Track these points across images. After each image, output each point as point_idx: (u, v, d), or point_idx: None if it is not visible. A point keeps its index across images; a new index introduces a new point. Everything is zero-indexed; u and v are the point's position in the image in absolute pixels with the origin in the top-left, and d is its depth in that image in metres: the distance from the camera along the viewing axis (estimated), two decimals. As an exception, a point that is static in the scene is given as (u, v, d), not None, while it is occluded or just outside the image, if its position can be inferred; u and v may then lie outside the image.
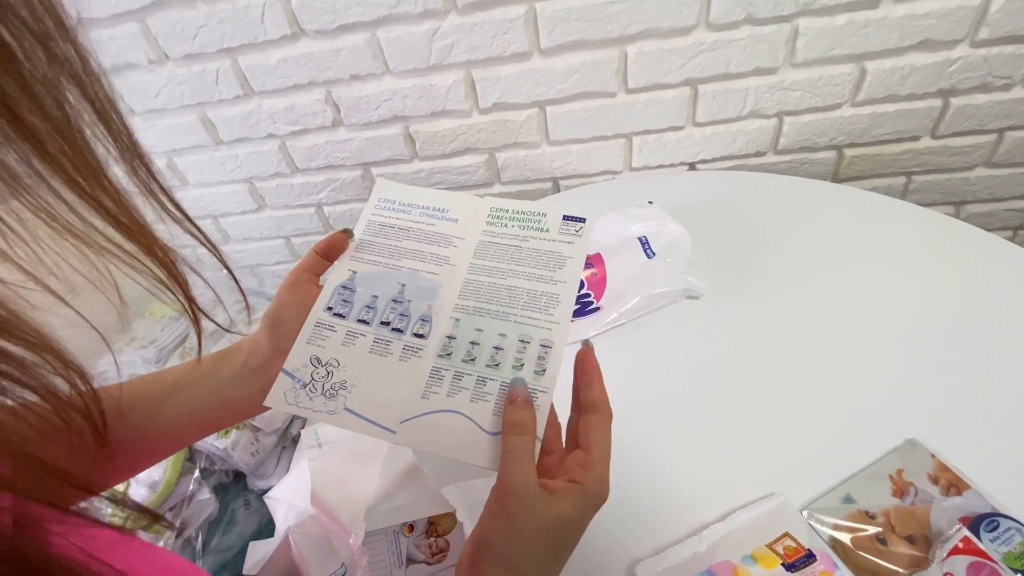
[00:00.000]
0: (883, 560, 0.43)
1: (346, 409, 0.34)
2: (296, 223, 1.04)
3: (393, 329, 0.37)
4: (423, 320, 0.37)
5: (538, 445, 0.32)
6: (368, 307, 0.38)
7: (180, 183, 0.99)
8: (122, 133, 0.20)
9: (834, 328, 0.61)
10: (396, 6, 0.74)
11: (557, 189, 0.95)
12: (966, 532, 0.42)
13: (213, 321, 0.29)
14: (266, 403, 0.35)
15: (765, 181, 0.84)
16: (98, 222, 0.19)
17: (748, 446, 0.53)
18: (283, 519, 0.49)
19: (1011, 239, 0.92)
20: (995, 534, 0.41)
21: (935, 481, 0.46)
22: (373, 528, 0.48)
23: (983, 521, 0.42)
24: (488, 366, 0.35)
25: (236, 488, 0.72)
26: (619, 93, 0.82)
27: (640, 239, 0.74)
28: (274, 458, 0.73)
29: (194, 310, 0.25)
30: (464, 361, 0.35)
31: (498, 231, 0.40)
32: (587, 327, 0.67)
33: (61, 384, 0.21)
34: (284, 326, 0.37)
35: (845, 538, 0.44)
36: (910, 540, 0.43)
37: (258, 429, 0.73)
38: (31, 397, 0.19)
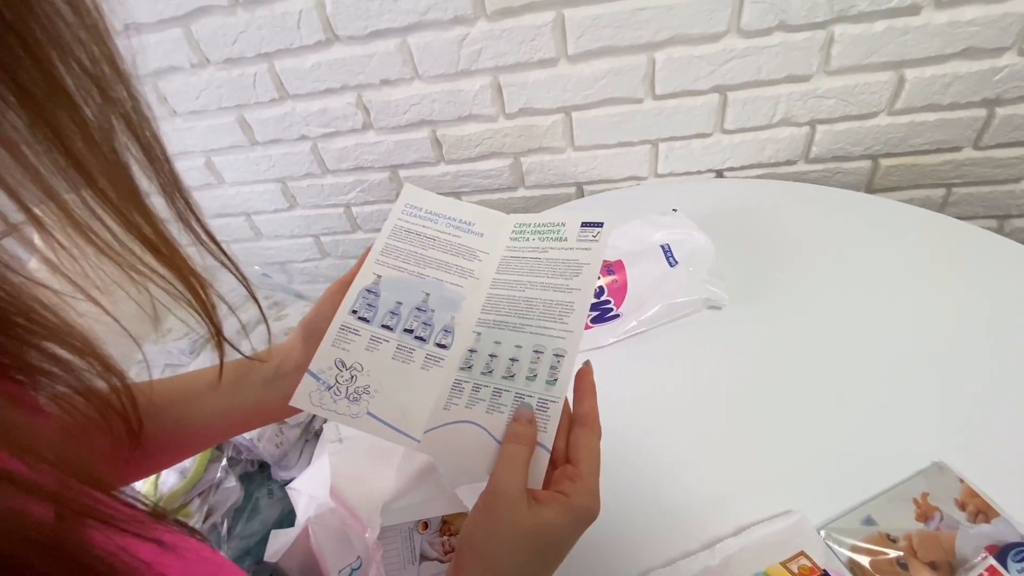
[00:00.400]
0: (903, 585, 0.41)
1: (368, 413, 0.35)
2: (325, 222, 1.07)
3: (416, 337, 0.38)
4: (445, 331, 0.38)
5: (546, 456, 0.32)
6: (392, 313, 0.38)
7: (217, 181, 1.03)
8: (165, 168, 0.21)
9: (862, 344, 0.59)
10: (426, 13, 0.75)
11: (581, 194, 0.95)
12: (992, 561, 0.40)
13: (236, 349, 0.29)
14: (291, 403, 0.36)
15: (795, 190, 0.83)
16: (136, 247, 0.20)
17: (766, 461, 0.52)
18: (304, 510, 0.51)
19: (1059, 255, 0.87)
20: (1023, 564, 0.40)
21: (962, 507, 0.44)
22: (389, 524, 0.49)
23: (1011, 551, 0.41)
24: (504, 377, 0.35)
25: (260, 478, 0.74)
26: (646, 99, 0.81)
27: (663, 247, 0.73)
28: (297, 450, 0.76)
29: (219, 335, 0.26)
30: (482, 374, 0.36)
31: (520, 245, 0.41)
32: (606, 334, 0.67)
33: (102, 385, 0.22)
34: (319, 334, 0.38)
35: (864, 560, 0.43)
36: (932, 566, 0.42)
37: (283, 422, 0.75)
38: (75, 396, 0.20)
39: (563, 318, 0.36)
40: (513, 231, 0.42)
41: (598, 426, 0.33)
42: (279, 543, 0.50)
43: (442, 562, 0.47)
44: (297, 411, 0.37)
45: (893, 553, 0.43)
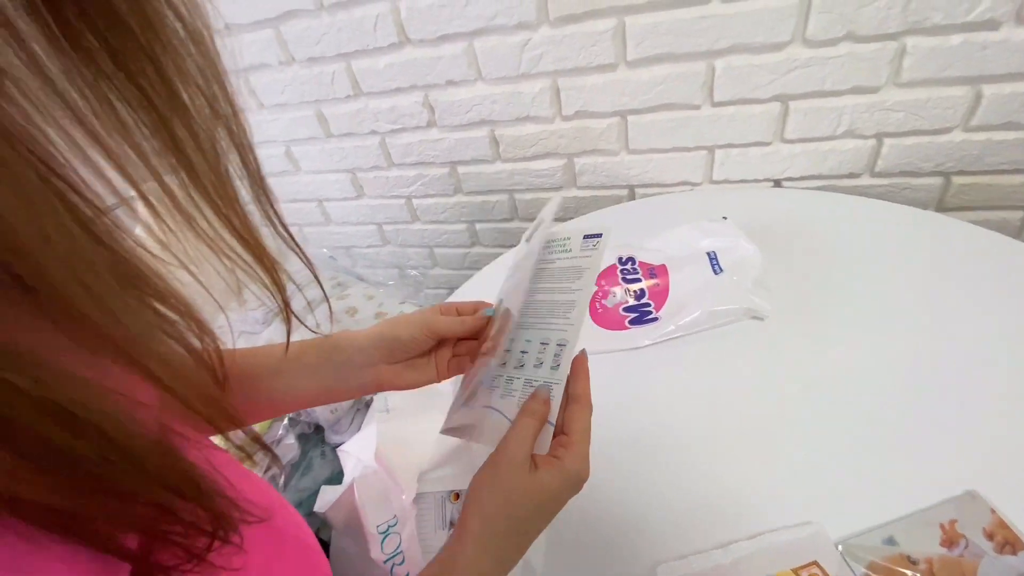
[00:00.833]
0: (918, 607, 0.42)
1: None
2: (388, 212, 1.14)
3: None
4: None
5: (550, 430, 0.36)
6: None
7: (294, 169, 1.12)
8: (255, 171, 0.26)
9: (905, 367, 0.58)
10: (493, 18, 0.79)
11: (632, 196, 0.96)
12: (1015, 594, 0.40)
13: (303, 323, 0.34)
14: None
15: (857, 204, 0.80)
16: (225, 233, 0.25)
17: (791, 472, 0.53)
18: (351, 470, 0.57)
19: None
20: (1047, 601, 0.39)
21: (990, 537, 0.44)
22: (424, 490, 0.54)
23: (1038, 586, 0.40)
24: (515, 367, 0.40)
25: (316, 439, 0.82)
26: (704, 106, 0.82)
27: (709, 254, 0.74)
28: (349, 417, 0.83)
29: (287, 310, 0.31)
30: (500, 365, 0.41)
31: (543, 257, 0.45)
32: (643, 336, 0.69)
33: (196, 343, 0.28)
34: (396, 341, 0.42)
35: (879, 578, 0.44)
36: (952, 592, 0.42)
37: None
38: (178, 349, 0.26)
39: (566, 314, 0.40)
40: (544, 246, 0.46)
41: (590, 403, 0.37)
42: (328, 497, 0.56)
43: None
44: (356, 397, 0.43)
45: (911, 574, 0.43)
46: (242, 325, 0.96)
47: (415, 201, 1.10)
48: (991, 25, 0.63)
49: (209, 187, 0.24)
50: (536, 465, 0.34)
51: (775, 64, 0.74)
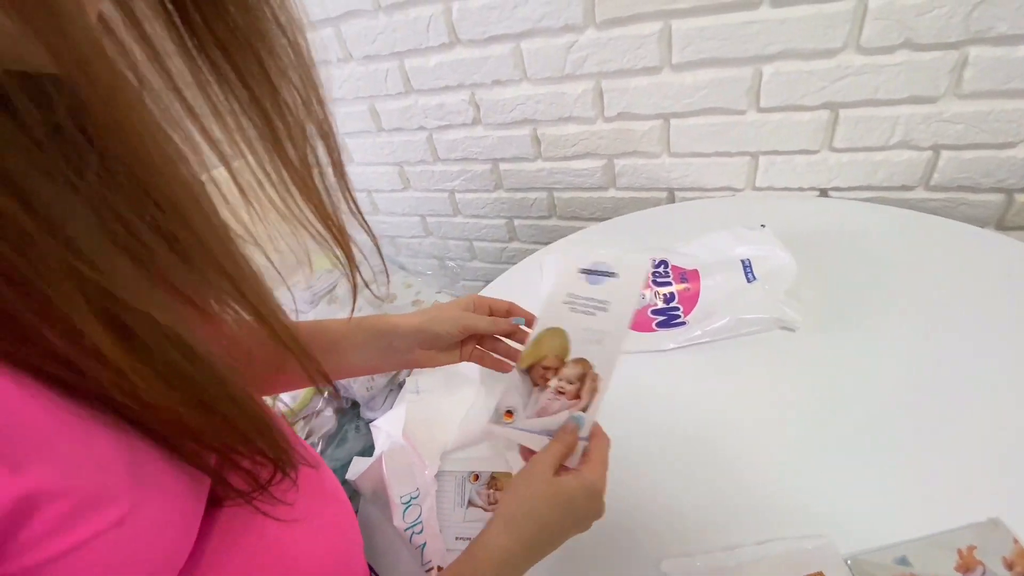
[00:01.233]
0: (925, 629, 0.41)
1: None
2: (431, 205, 1.19)
3: None
4: None
5: (583, 444, 0.42)
6: None
7: (347, 160, 1.19)
8: (339, 162, 0.30)
9: (940, 389, 0.56)
10: (540, 20, 0.81)
11: (672, 199, 0.96)
12: (1029, 626, 0.39)
13: (366, 285, 0.39)
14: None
15: (909, 218, 0.77)
16: (309, 215, 0.29)
17: (807, 482, 0.52)
18: (381, 444, 0.61)
19: None
20: (1064, 637, 0.38)
21: (1010, 566, 0.42)
22: (446, 469, 0.58)
23: (1057, 622, 0.39)
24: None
25: (352, 414, 0.88)
26: (749, 111, 0.81)
27: (743, 261, 0.73)
28: (383, 395, 0.88)
29: (354, 275, 0.35)
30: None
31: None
32: (668, 339, 0.70)
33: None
34: (435, 336, 0.49)
35: (887, 596, 0.43)
36: (963, 618, 0.41)
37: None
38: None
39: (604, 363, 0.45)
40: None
41: (606, 437, 0.45)
42: (359, 467, 0.60)
43: (485, 510, 0.55)
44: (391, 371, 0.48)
45: (920, 596, 0.43)
46: (291, 304, 1.03)
47: (458, 195, 1.14)
48: (1063, 35, 0.60)
49: (298, 171, 0.29)
50: (559, 473, 0.41)
51: (826, 71, 0.73)
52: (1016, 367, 0.56)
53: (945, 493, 0.48)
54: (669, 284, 0.75)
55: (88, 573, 0.20)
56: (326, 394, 0.88)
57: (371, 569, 0.47)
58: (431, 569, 0.49)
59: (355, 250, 0.34)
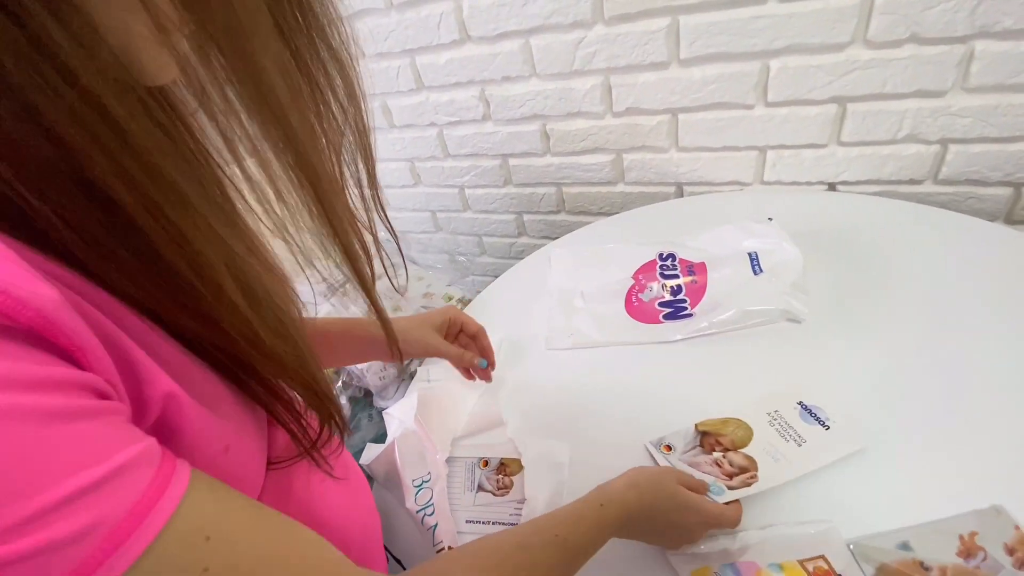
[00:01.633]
0: (926, 611, 0.42)
1: None
2: (441, 200, 1.20)
3: None
4: None
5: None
6: None
7: (359, 156, 1.20)
8: (372, 165, 0.32)
9: (942, 378, 0.57)
10: (550, 17, 0.83)
11: (680, 194, 0.97)
12: (1027, 608, 0.39)
13: (390, 281, 0.41)
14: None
15: (918, 212, 0.78)
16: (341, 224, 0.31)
17: (812, 472, 0.53)
18: (393, 431, 0.63)
19: None
20: (1062, 618, 0.39)
21: (1011, 552, 0.43)
22: (456, 455, 0.59)
23: (1056, 604, 0.40)
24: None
25: (364, 403, 0.90)
26: (757, 106, 0.81)
27: (750, 254, 0.74)
28: (395, 385, 0.90)
29: (369, 281, 0.37)
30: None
31: None
32: (675, 330, 0.71)
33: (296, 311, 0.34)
34: (407, 351, 0.59)
35: (889, 580, 0.44)
36: (963, 601, 0.42)
37: (399, 360, 0.90)
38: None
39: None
40: None
41: (739, 511, 0.49)
42: (372, 453, 0.62)
43: (495, 495, 0.56)
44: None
45: (921, 579, 0.44)
46: (305, 296, 1.05)
47: (467, 191, 1.15)
48: (1071, 28, 0.60)
49: (322, 187, 0.30)
50: (687, 489, 0.46)
51: (833, 65, 0.73)
52: (1019, 358, 0.56)
53: (948, 480, 0.49)
54: (676, 277, 0.76)
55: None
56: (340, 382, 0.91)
57: (385, 549, 0.49)
58: (442, 549, 0.50)
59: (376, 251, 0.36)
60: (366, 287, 0.34)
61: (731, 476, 0.53)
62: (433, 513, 0.52)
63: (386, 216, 0.35)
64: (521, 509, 0.53)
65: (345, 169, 0.32)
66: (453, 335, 0.64)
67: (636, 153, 0.94)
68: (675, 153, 0.92)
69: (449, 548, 0.51)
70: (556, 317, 0.79)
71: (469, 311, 0.89)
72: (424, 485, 0.55)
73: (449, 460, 0.58)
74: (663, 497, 0.44)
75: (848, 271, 0.70)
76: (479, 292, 0.92)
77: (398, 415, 0.63)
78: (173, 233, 0.21)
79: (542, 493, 0.54)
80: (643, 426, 0.61)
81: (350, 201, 0.33)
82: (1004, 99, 0.67)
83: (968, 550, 0.45)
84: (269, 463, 0.30)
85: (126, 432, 0.19)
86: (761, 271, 0.72)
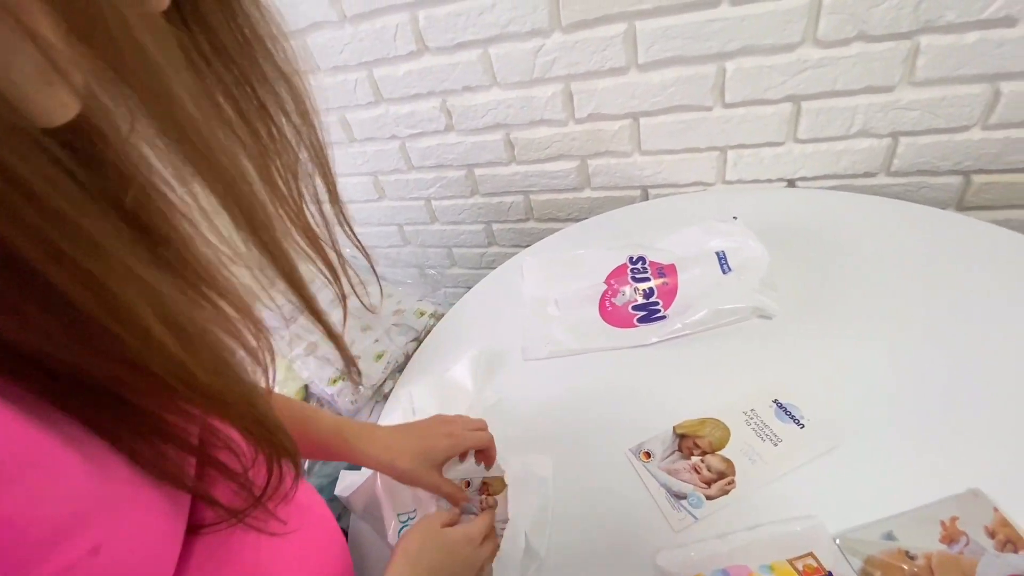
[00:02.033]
0: (915, 601, 0.42)
1: None
2: (408, 213, 1.18)
3: None
4: None
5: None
6: None
7: (320, 173, 1.17)
8: (332, 182, 0.31)
9: (913, 365, 0.58)
10: (507, 26, 0.82)
11: (646, 197, 0.97)
12: (1012, 590, 0.40)
13: (360, 299, 0.38)
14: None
15: (872, 204, 0.80)
16: (299, 238, 0.29)
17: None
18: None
19: None
20: (1044, 597, 0.39)
21: (992, 535, 0.44)
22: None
23: (1038, 584, 0.40)
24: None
25: (335, 429, 0.86)
26: (715, 107, 0.82)
27: (718, 253, 0.75)
28: (368, 408, 0.87)
29: (344, 298, 0.35)
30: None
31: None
32: (650, 334, 0.70)
33: (252, 341, 0.29)
34: (395, 470, 0.52)
35: (876, 573, 0.44)
36: (950, 588, 0.42)
37: (358, 383, 0.86)
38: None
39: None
40: None
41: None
42: (347, 480, 0.59)
43: (476, 515, 0.54)
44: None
45: (908, 568, 0.44)
46: (267, 321, 1.00)
47: (434, 203, 1.13)
48: (1007, 22, 0.63)
49: (286, 207, 0.29)
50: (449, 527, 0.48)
51: (786, 65, 0.75)
52: (983, 339, 0.58)
53: (925, 466, 0.50)
54: (648, 279, 0.76)
55: None
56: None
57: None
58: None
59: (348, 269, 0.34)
60: (315, 313, 0.31)
61: (710, 483, 0.53)
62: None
63: (354, 233, 0.33)
64: (505, 530, 0.51)
65: (304, 188, 0.30)
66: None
67: (600, 158, 0.94)
68: (638, 157, 0.92)
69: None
70: (531, 327, 0.77)
71: (443, 325, 0.87)
72: (410, 521, 0.53)
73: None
74: (434, 549, 0.45)
75: (811, 265, 0.72)
76: (452, 305, 0.90)
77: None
78: (85, 280, 0.18)
79: (527, 510, 0.53)
80: (624, 432, 0.60)
81: (311, 221, 0.31)
82: (950, 91, 0.70)
83: (950, 536, 0.45)
84: (199, 527, 0.27)
85: None
86: (730, 270, 0.72)
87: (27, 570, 0.18)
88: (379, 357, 0.91)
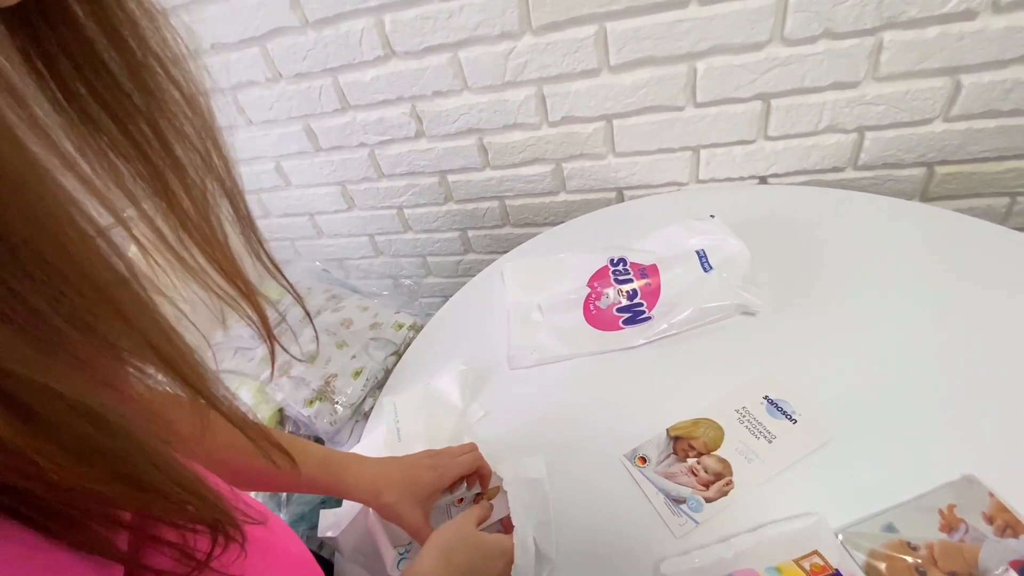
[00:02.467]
0: (921, 593, 0.42)
1: None
2: (379, 223, 1.14)
3: None
4: None
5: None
6: None
7: (285, 184, 1.13)
8: (246, 216, 0.28)
9: (897, 354, 0.58)
10: (476, 29, 0.80)
11: (621, 199, 0.97)
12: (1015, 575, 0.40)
13: (287, 351, 0.35)
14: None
15: (842, 198, 0.81)
16: (213, 272, 0.27)
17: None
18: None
19: None
20: (1047, 581, 0.39)
21: (990, 520, 0.44)
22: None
23: (1039, 567, 0.40)
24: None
25: (314, 453, 0.82)
26: (687, 107, 0.83)
27: (698, 252, 0.74)
28: (348, 429, 0.83)
29: (271, 339, 0.32)
30: None
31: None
32: (637, 335, 0.69)
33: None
34: (379, 504, 0.50)
35: (881, 565, 0.44)
36: (953, 577, 0.42)
37: (336, 403, 0.82)
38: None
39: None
40: None
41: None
42: (330, 520, 0.55)
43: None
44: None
45: (912, 560, 0.43)
46: (237, 342, 0.95)
47: (406, 211, 1.10)
48: (967, 16, 0.65)
49: (197, 231, 0.26)
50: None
51: (755, 63, 0.76)
52: (958, 323, 0.59)
53: (920, 456, 0.50)
54: (630, 281, 0.75)
55: None
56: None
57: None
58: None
59: (289, 288, 0.31)
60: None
61: (707, 485, 0.52)
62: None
63: (278, 269, 0.31)
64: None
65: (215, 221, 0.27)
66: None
67: (575, 161, 0.93)
68: (613, 159, 0.92)
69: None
70: (516, 334, 0.75)
71: (423, 337, 0.84)
72: (406, 554, 0.50)
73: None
74: (470, 548, 0.45)
75: (787, 259, 0.72)
76: (430, 315, 0.87)
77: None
78: None
79: (529, 517, 0.50)
80: (617, 436, 0.59)
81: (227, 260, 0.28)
82: (913, 85, 0.72)
83: (950, 524, 0.45)
84: None
85: None
86: (711, 268, 0.72)
87: None
88: (357, 374, 0.87)
